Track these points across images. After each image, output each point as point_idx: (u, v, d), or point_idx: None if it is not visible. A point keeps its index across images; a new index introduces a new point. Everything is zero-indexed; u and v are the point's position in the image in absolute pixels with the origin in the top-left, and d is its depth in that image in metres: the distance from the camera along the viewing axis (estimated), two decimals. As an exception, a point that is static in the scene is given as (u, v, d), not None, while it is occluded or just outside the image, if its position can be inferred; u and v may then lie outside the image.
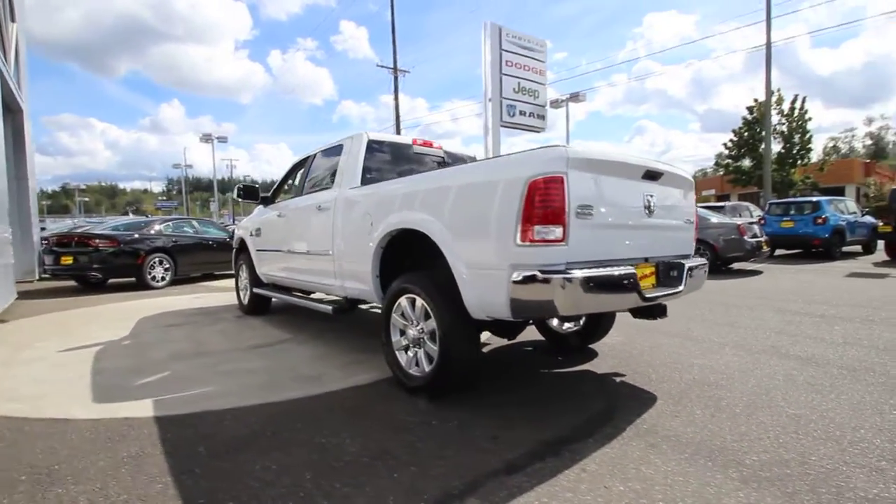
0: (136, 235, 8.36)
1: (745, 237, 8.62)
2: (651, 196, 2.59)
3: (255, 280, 5.33)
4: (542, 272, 2.10)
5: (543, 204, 2.10)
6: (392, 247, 3.09)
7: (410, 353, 2.89)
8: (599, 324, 3.65)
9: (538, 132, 17.06)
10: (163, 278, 8.41)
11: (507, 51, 14.27)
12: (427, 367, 2.75)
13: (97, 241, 7.86)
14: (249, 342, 4.23)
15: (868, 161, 38.79)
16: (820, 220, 10.61)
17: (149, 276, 8.19)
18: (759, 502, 1.74)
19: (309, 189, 4.31)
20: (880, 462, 2.01)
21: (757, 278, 8.26)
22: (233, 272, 6.09)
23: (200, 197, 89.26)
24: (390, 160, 3.89)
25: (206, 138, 36.25)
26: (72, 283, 8.88)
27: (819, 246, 10.61)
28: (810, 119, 25.71)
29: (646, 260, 2.62)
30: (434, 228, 2.59)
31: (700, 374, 3.14)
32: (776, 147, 26.07)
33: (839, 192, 27.47)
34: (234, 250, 6.00)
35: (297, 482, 1.91)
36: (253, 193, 5.04)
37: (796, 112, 25.68)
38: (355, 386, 3.05)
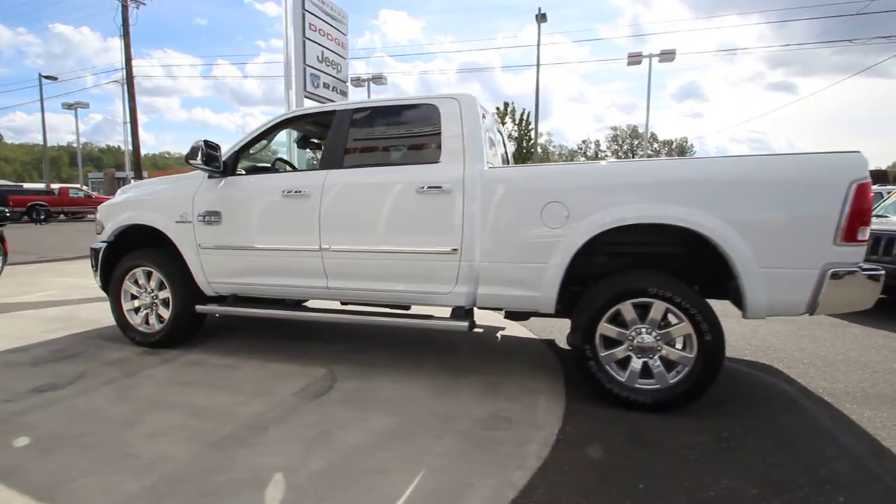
0: None
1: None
2: None
3: (192, 293, 3.39)
4: (862, 270, 2.24)
5: (863, 205, 2.21)
6: None
7: (636, 365, 2.54)
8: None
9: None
10: None
11: (310, 12, 12.96)
12: (672, 378, 2.48)
13: None
14: (277, 392, 2.73)
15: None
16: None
17: None
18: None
19: (364, 161, 3.03)
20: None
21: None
22: None
23: None
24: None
25: None
26: None
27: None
28: (532, 129, 33.10)
29: None
30: (710, 225, 2.33)
31: (741, 342, 3.87)
32: (512, 148, 32.97)
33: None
34: (106, 246, 3.61)
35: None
36: (216, 158, 3.13)
37: (524, 122, 32.73)
38: (562, 416, 2.46)
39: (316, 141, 4.12)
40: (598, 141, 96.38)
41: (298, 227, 3.06)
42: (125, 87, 22.78)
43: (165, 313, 3.48)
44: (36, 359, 3.27)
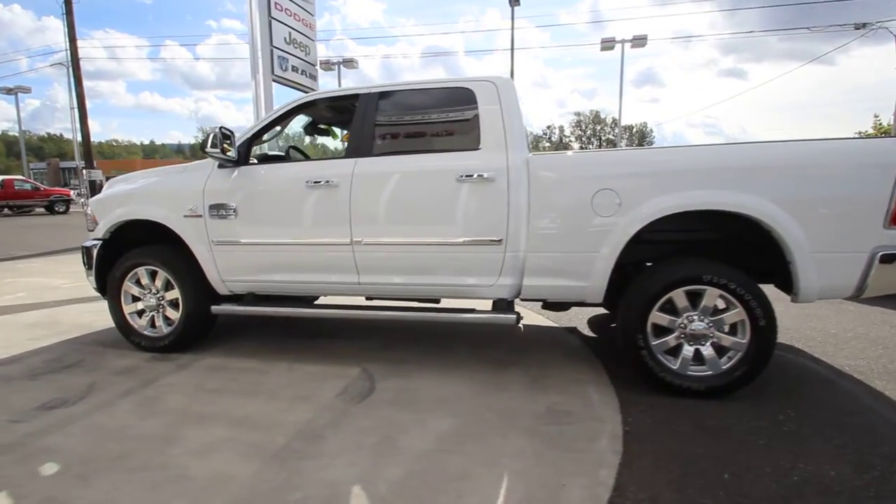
0: None
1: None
2: None
3: (204, 292, 3.14)
4: (913, 252, 2.29)
5: (912, 188, 2.26)
6: None
7: (688, 352, 2.53)
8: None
9: (308, 93, 15.79)
10: None
11: (275, -11, 12.39)
12: (724, 364, 2.49)
13: None
14: (317, 396, 2.57)
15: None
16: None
17: None
18: None
19: (396, 148, 2.86)
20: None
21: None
22: None
23: None
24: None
25: None
26: None
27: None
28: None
29: None
30: (767, 210, 2.32)
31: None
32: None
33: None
34: (101, 244, 3.29)
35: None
36: (231, 146, 2.86)
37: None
38: (619, 408, 2.43)
39: (323, 127, 3.89)
40: (562, 126, 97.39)
41: (326, 220, 2.88)
42: (70, 69, 21.04)
43: (173, 315, 3.22)
44: (32, 370, 2.96)
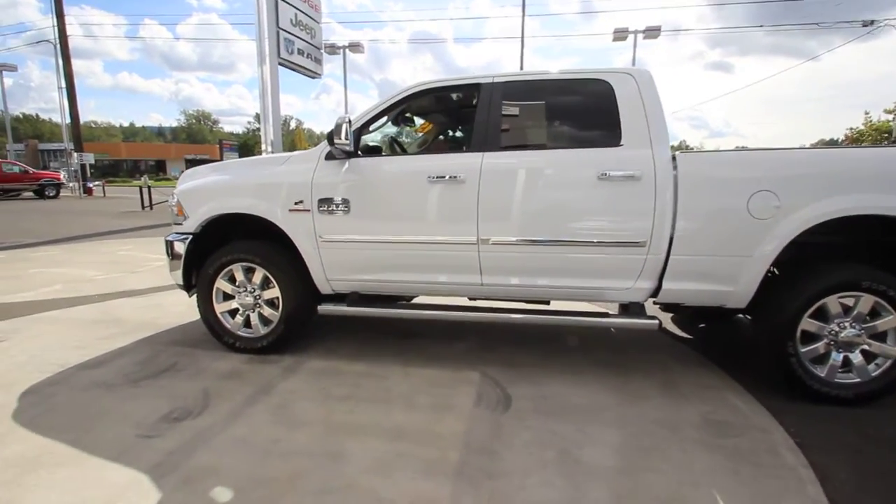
0: None
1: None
2: None
3: (307, 292, 2.97)
4: None
5: None
6: None
7: (836, 359, 2.48)
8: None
9: (313, 78, 15.41)
10: None
11: (281, -31, 12.09)
12: (873, 372, 2.44)
13: None
14: (457, 405, 2.44)
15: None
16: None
17: None
18: None
19: (526, 142, 2.71)
20: None
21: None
22: None
23: None
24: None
25: None
26: None
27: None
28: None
29: None
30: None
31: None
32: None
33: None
34: (190, 237, 3.07)
35: None
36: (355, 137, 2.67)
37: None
38: (771, 416, 2.37)
39: (408, 116, 3.69)
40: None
41: (450, 217, 2.72)
42: (58, 46, 20.07)
43: (269, 314, 3.04)
44: (127, 376, 2.75)
